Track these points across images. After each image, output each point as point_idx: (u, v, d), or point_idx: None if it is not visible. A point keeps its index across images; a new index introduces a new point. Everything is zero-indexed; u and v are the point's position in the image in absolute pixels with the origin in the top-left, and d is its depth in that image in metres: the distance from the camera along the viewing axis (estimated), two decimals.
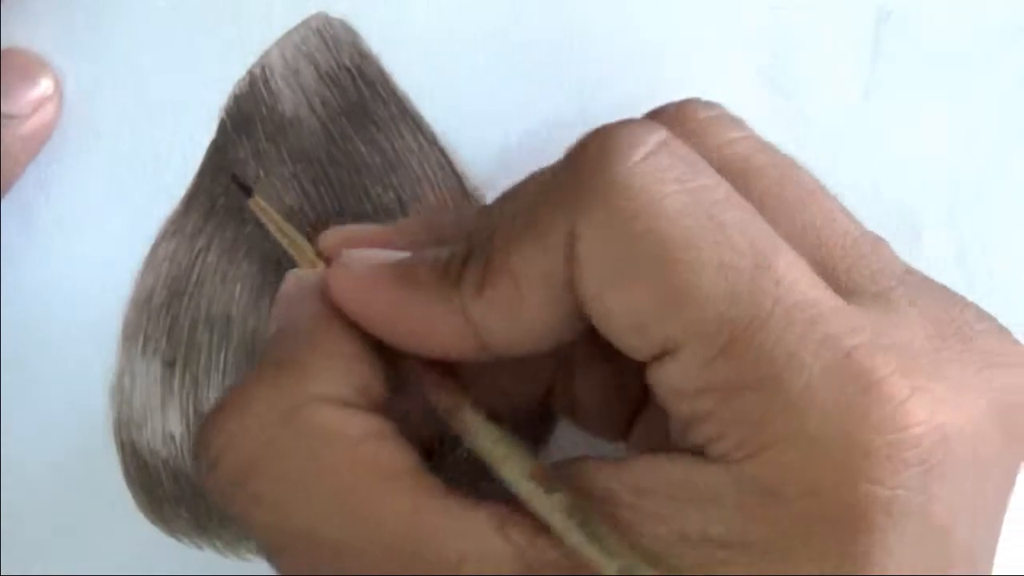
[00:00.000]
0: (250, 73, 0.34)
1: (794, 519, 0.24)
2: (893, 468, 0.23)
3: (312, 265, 0.31)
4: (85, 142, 0.34)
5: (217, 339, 0.35)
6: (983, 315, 0.27)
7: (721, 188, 0.25)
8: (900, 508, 0.23)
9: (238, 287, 0.35)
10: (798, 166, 0.28)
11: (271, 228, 0.32)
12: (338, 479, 0.26)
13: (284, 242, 0.32)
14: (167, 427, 0.35)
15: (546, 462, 0.26)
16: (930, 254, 0.34)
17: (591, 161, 0.26)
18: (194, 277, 0.35)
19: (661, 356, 0.25)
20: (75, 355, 0.35)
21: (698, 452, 0.25)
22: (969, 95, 0.35)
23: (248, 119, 0.34)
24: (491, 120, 0.34)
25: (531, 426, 0.31)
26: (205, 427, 0.27)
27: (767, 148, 0.28)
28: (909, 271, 0.27)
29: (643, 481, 0.25)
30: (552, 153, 0.34)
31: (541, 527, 0.25)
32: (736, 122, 0.29)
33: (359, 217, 0.34)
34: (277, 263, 0.34)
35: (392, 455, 0.26)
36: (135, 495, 0.35)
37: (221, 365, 0.35)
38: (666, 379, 0.25)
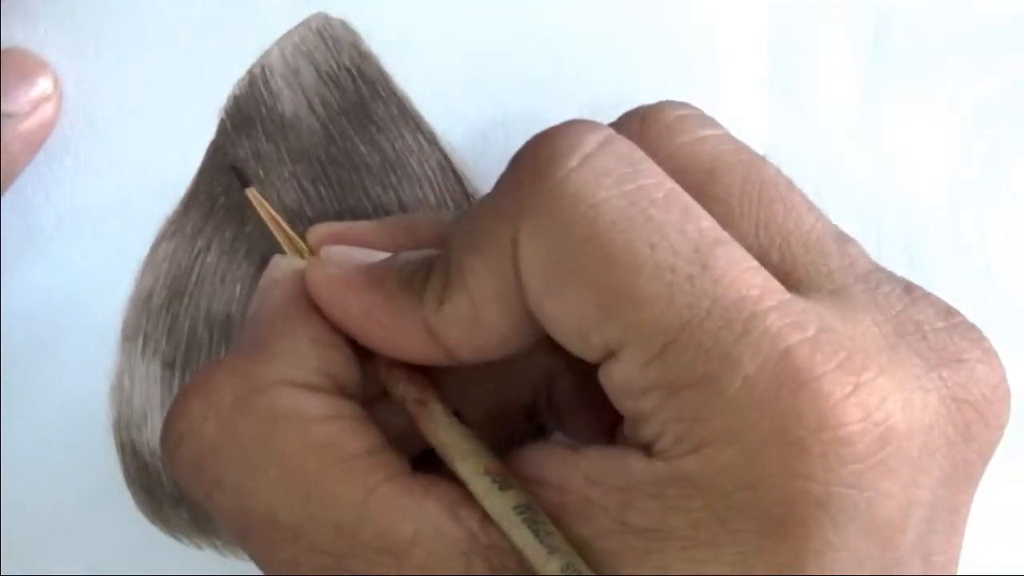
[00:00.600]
0: (250, 73, 0.34)
1: (728, 513, 0.24)
2: (827, 465, 0.23)
3: (301, 258, 0.31)
4: (85, 142, 0.34)
5: (217, 339, 0.35)
6: (949, 312, 0.27)
7: (663, 187, 0.26)
8: (839, 505, 0.24)
9: (238, 287, 0.35)
10: (767, 163, 0.28)
11: (264, 219, 0.33)
12: (292, 461, 0.26)
13: (276, 233, 0.32)
14: None
15: (503, 459, 0.27)
16: (930, 254, 0.35)
17: (529, 168, 0.26)
18: (194, 277, 0.35)
19: (607, 358, 0.25)
20: (75, 355, 0.35)
21: (646, 449, 0.25)
22: (969, 95, 0.35)
23: (248, 119, 0.34)
24: (491, 120, 0.34)
25: (522, 435, 0.31)
26: (170, 412, 0.27)
27: (737, 145, 0.28)
28: (875, 269, 0.27)
29: (592, 471, 0.25)
30: None
31: None
32: (706, 120, 0.29)
33: (359, 217, 0.34)
34: None
35: (350, 436, 0.26)
36: (135, 495, 0.35)
37: None
38: (612, 380, 0.25)
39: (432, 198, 0.34)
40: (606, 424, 0.28)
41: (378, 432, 0.27)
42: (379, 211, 0.34)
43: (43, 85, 0.34)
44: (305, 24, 0.34)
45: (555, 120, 0.34)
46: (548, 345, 0.26)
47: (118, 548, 0.35)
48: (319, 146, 0.34)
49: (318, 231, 0.32)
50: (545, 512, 0.25)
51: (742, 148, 0.28)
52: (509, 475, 0.26)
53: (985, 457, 0.26)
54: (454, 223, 0.28)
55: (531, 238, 0.25)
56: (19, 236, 0.34)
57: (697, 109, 0.29)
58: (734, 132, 0.29)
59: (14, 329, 0.35)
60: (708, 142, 0.28)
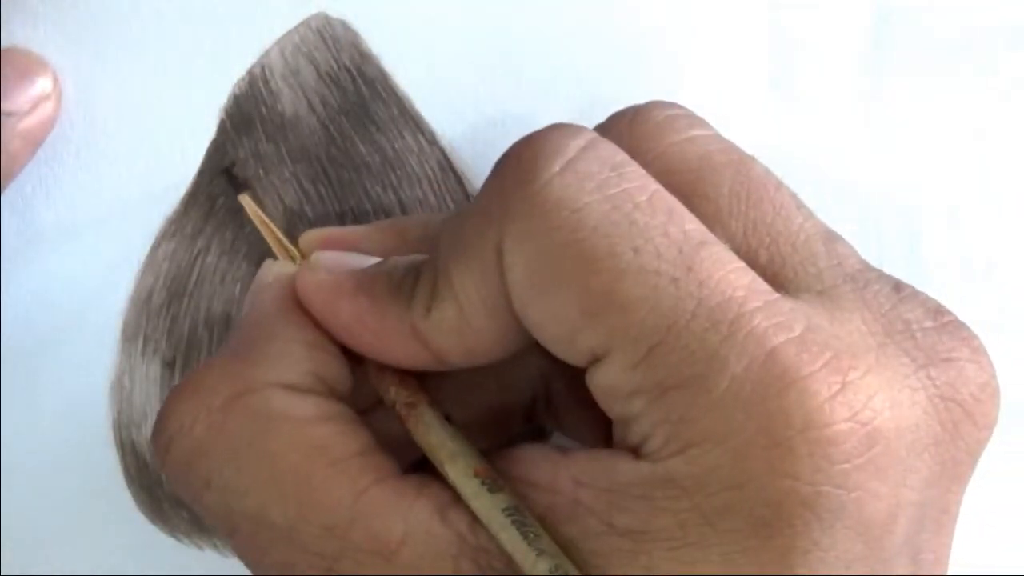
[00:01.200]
0: (250, 73, 0.34)
1: (715, 514, 0.24)
2: (815, 465, 0.23)
3: (292, 262, 0.31)
4: (85, 142, 0.34)
5: (217, 339, 0.35)
6: (938, 311, 0.26)
7: (646, 190, 0.26)
8: (826, 505, 0.24)
9: (238, 287, 0.35)
10: (756, 163, 0.28)
11: (257, 224, 0.33)
12: (283, 462, 0.26)
13: (268, 239, 0.32)
14: None
15: (492, 460, 0.27)
16: (930, 254, 0.35)
17: (512, 174, 0.26)
18: (194, 277, 0.35)
19: (593, 362, 0.25)
20: (75, 355, 0.35)
21: (635, 451, 0.25)
22: (969, 95, 0.35)
23: (248, 119, 0.34)
24: (491, 120, 0.34)
25: (521, 437, 0.31)
26: (161, 412, 0.27)
27: (725, 145, 0.28)
28: (864, 268, 0.27)
29: (580, 473, 0.25)
30: None
31: None
32: (695, 120, 0.29)
33: (359, 217, 0.34)
34: None
35: (340, 438, 0.27)
36: (135, 495, 0.35)
37: None
38: (599, 383, 0.25)
39: (432, 198, 0.34)
40: (604, 425, 0.28)
41: (369, 434, 0.27)
42: (379, 211, 0.34)
43: (43, 84, 0.34)
44: (305, 24, 0.34)
45: (555, 120, 0.34)
46: (541, 348, 0.26)
47: (118, 548, 0.35)
48: (319, 146, 0.34)
49: (309, 237, 0.32)
50: (533, 513, 0.25)
51: (731, 148, 0.28)
52: (498, 477, 0.26)
53: (974, 456, 0.26)
54: (442, 228, 0.28)
55: (515, 244, 0.25)
56: (19, 236, 0.35)
57: (686, 109, 0.29)
58: (734, 132, 0.29)
59: (14, 329, 0.35)
60: (697, 142, 0.28)
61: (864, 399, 0.24)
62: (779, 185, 0.28)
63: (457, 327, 0.27)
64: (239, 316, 0.31)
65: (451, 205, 0.34)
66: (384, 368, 0.28)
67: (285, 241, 0.32)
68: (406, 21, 0.34)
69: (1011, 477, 0.34)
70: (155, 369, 0.35)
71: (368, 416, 0.28)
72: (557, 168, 0.25)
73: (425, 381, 0.28)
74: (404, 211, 0.34)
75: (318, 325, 0.28)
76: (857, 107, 0.35)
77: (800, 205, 0.28)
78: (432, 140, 0.34)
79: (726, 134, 0.29)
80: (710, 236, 0.25)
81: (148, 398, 0.35)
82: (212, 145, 0.34)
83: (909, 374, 0.25)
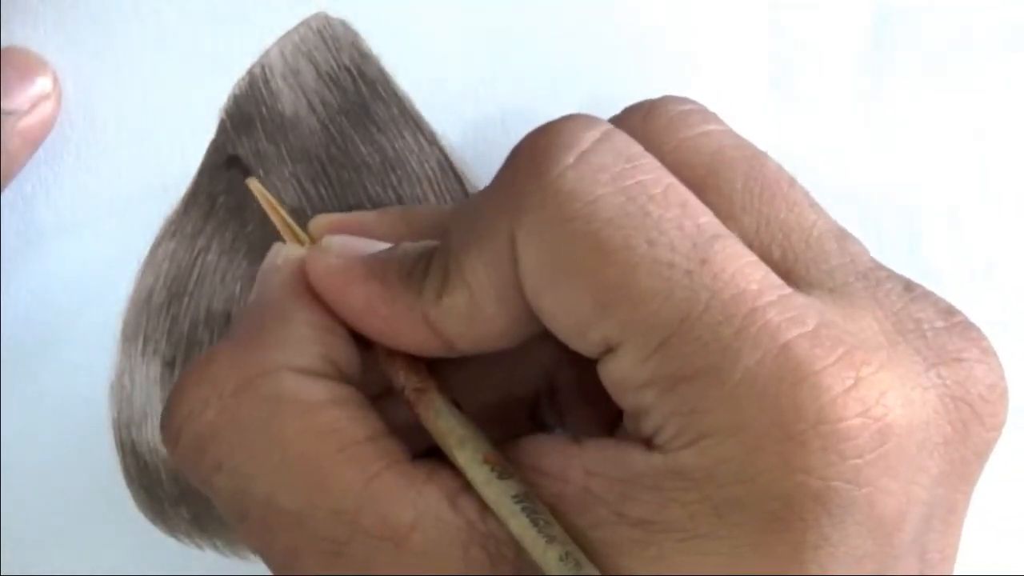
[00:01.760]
0: (250, 73, 0.34)
1: (726, 506, 0.24)
2: (827, 459, 0.23)
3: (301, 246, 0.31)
4: (85, 142, 0.34)
5: (217, 339, 0.35)
6: (949, 311, 0.27)
7: (661, 183, 0.26)
8: (837, 500, 0.24)
9: (238, 287, 0.35)
10: (769, 159, 0.28)
11: (266, 208, 0.32)
12: (294, 446, 0.26)
13: (276, 223, 0.32)
14: None
15: (503, 449, 0.27)
16: (930, 254, 0.35)
17: (527, 164, 0.26)
18: (194, 277, 0.35)
19: (605, 353, 0.25)
20: (75, 355, 0.35)
21: (647, 442, 0.25)
22: (969, 95, 0.35)
23: (248, 119, 0.34)
24: (491, 120, 0.34)
25: (524, 433, 0.32)
26: (171, 398, 0.27)
27: (739, 141, 0.28)
28: (876, 267, 0.27)
29: (592, 463, 0.25)
30: None
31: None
32: (709, 115, 0.29)
33: None
34: None
35: (351, 423, 0.26)
36: (135, 495, 0.35)
37: None
38: (611, 375, 0.25)
39: (432, 198, 0.34)
40: (608, 419, 0.28)
41: (379, 420, 0.27)
42: None
43: (42, 83, 0.34)
44: (305, 24, 0.34)
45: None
46: (550, 339, 0.26)
47: (118, 548, 0.35)
48: (319, 146, 0.34)
49: (319, 221, 0.32)
50: (545, 502, 0.25)
51: (744, 144, 0.28)
52: (508, 464, 0.26)
53: (982, 457, 0.26)
54: (453, 215, 0.28)
55: (528, 235, 0.25)
56: (19, 236, 0.35)
57: (700, 104, 0.29)
58: None
59: (14, 329, 0.35)
60: (711, 137, 0.28)
61: (877, 395, 0.24)
62: (792, 182, 0.28)
63: (468, 314, 0.27)
64: (246, 301, 0.31)
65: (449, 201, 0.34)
66: (394, 353, 0.28)
67: (294, 225, 0.32)
68: (406, 21, 0.34)
69: (1010, 479, 0.34)
70: (155, 369, 0.35)
71: (378, 403, 0.28)
72: (571, 159, 0.25)
73: (431, 372, 0.28)
74: None
75: (328, 308, 0.28)
76: (857, 107, 0.35)
77: (812, 203, 0.28)
78: (432, 140, 0.34)
79: None
80: (724, 229, 0.25)
81: (148, 398, 0.35)
82: (212, 145, 0.34)
83: (920, 372, 0.25)
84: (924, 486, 0.25)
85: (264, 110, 0.34)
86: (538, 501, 0.25)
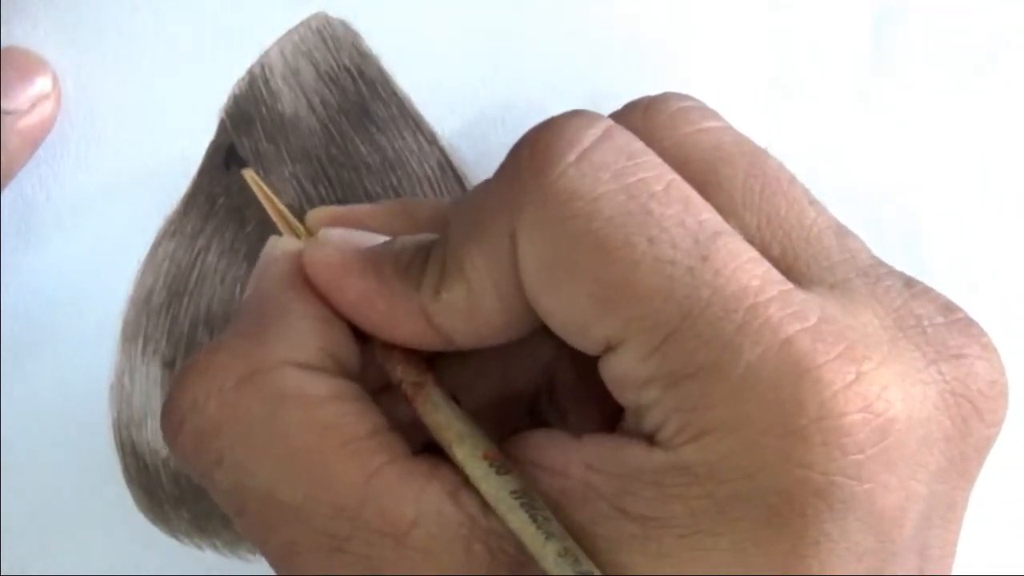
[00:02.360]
0: (250, 73, 0.34)
1: (728, 502, 0.24)
2: (828, 454, 0.23)
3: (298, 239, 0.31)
4: (85, 142, 0.34)
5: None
6: (949, 307, 0.26)
7: (662, 180, 0.26)
8: (838, 495, 0.23)
9: (238, 287, 0.35)
10: (769, 156, 0.28)
11: (262, 200, 0.32)
12: (296, 441, 0.26)
13: (273, 215, 0.32)
14: None
15: (505, 444, 0.27)
16: (930, 254, 0.35)
17: (527, 162, 0.26)
18: (194, 277, 0.35)
19: (606, 351, 0.25)
20: (75, 355, 0.35)
21: (649, 439, 0.25)
22: (969, 95, 0.35)
23: (248, 119, 0.34)
24: (491, 120, 0.34)
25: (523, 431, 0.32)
26: (172, 391, 0.27)
27: (739, 137, 0.28)
28: (876, 263, 0.27)
29: (593, 458, 0.25)
30: None
31: None
32: (708, 112, 0.29)
33: None
34: None
35: (353, 418, 0.27)
36: (135, 495, 0.35)
37: None
38: (613, 372, 0.25)
39: (432, 198, 0.34)
40: (608, 415, 0.28)
41: (380, 415, 0.27)
42: None
43: (42, 83, 0.34)
44: (305, 24, 0.34)
45: None
46: (550, 335, 0.26)
47: (118, 548, 0.35)
48: (319, 146, 0.34)
49: (317, 214, 0.32)
50: (545, 497, 0.25)
51: (744, 140, 0.28)
52: (506, 460, 0.26)
53: (981, 453, 0.26)
54: (452, 210, 0.28)
55: (529, 233, 0.25)
56: (19, 236, 0.35)
57: (699, 101, 0.29)
58: None
59: (14, 329, 0.35)
60: (711, 133, 0.28)
61: (878, 390, 0.24)
62: (792, 179, 0.28)
63: (466, 310, 0.27)
64: (244, 295, 0.31)
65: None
66: (391, 347, 0.28)
67: (291, 217, 0.32)
68: (406, 21, 0.34)
69: (1010, 477, 0.34)
70: (155, 369, 0.35)
71: (378, 397, 0.28)
72: (573, 157, 0.25)
73: (430, 367, 0.28)
74: None
75: (327, 301, 0.28)
76: (857, 107, 0.35)
77: (812, 200, 0.28)
78: (432, 140, 0.34)
79: None
80: (725, 226, 0.25)
81: (148, 398, 0.35)
82: (212, 145, 0.34)
83: (920, 368, 0.25)
84: (924, 482, 0.25)
85: (264, 110, 0.34)
86: (537, 497, 0.25)
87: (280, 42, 0.34)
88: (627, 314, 0.25)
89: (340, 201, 0.34)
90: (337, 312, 0.28)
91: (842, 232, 0.27)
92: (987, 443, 0.26)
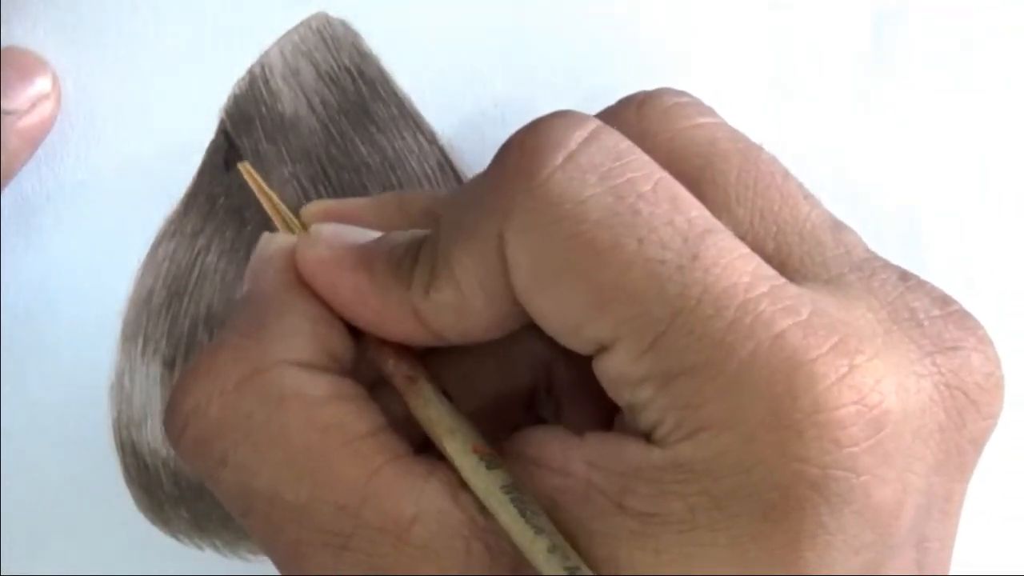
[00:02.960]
0: (250, 73, 0.34)
1: (725, 497, 0.24)
2: (824, 448, 0.23)
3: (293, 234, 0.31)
4: (85, 142, 0.34)
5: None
6: (944, 300, 0.27)
7: (650, 179, 0.26)
8: (835, 488, 0.24)
9: (238, 287, 0.35)
10: (763, 151, 0.28)
11: (257, 194, 0.32)
12: (298, 440, 0.26)
13: (268, 209, 0.32)
14: None
15: (504, 442, 0.27)
16: (930, 254, 0.34)
17: (515, 164, 0.26)
18: (194, 277, 0.35)
19: (600, 351, 0.25)
20: (75, 355, 0.35)
21: (645, 437, 0.25)
22: (969, 95, 0.35)
23: (248, 119, 0.34)
24: (491, 120, 0.34)
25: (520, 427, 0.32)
26: (173, 394, 0.28)
27: (733, 133, 0.28)
28: (871, 257, 0.27)
29: (593, 456, 0.26)
30: None
31: None
32: (703, 108, 0.29)
33: None
34: None
35: (354, 418, 0.27)
36: (135, 495, 0.35)
37: None
38: (607, 372, 0.26)
39: None
40: (605, 412, 0.28)
41: (380, 413, 0.27)
42: None
43: (42, 83, 0.34)
44: (305, 24, 0.34)
45: None
46: (545, 334, 0.27)
47: (118, 548, 0.35)
48: (319, 146, 0.34)
49: (312, 208, 0.32)
50: (546, 494, 0.26)
51: (739, 136, 0.28)
52: (496, 455, 0.26)
53: (978, 445, 0.26)
54: (443, 207, 0.28)
55: (518, 236, 0.25)
56: (19, 236, 0.35)
57: (694, 96, 0.29)
58: None
59: (14, 329, 0.35)
60: (705, 128, 0.28)
61: (872, 382, 0.24)
62: (786, 174, 0.28)
63: (456, 309, 0.27)
64: (241, 292, 0.31)
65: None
66: (384, 342, 0.28)
67: (286, 211, 0.32)
68: (406, 21, 0.34)
69: (1005, 475, 0.34)
70: (155, 369, 0.35)
71: (374, 393, 0.28)
72: (560, 160, 0.25)
73: (428, 367, 0.28)
74: None
75: (320, 301, 0.28)
76: (857, 107, 0.35)
77: (807, 194, 0.28)
78: (432, 140, 0.34)
79: None
80: (715, 223, 0.25)
81: (148, 398, 0.35)
82: (212, 145, 0.34)
83: (915, 360, 0.25)
84: (920, 474, 0.25)
85: (264, 110, 0.34)
86: (527, 492, 0.25)
87: (280, 42, 0.34)
88: (618, 315, 0.25)
89: None
90: (333, 309, 0.28)
91: (837, 226, 0.27)
92: (983, 435, 0.26)
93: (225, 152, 0.34)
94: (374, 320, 0.28)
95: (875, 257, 0.27)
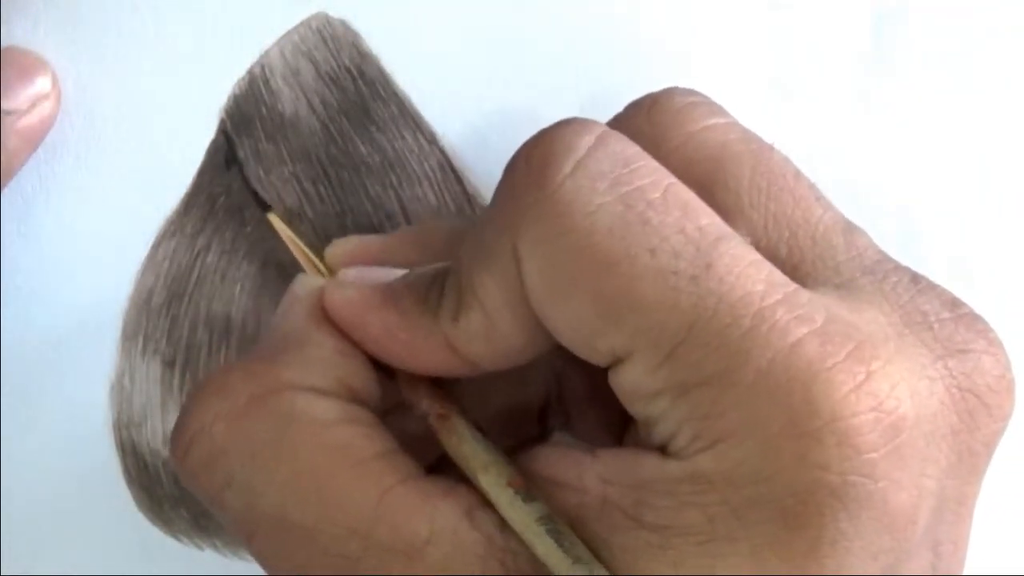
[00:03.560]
0: (250, 73, 0.34)
1: (744, 507, 0.24)
2: (842, 454, 0.23)
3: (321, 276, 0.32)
4: (85, 142, 0.34)
5: (217, 339, 0.35)
6: (955, 303, 0.27)
7: (659, 186, 0.25)
8: (854, 494, 0.24)
9: (238, 287, 0.35)
10: (775, 152, 0.28)
11: (286, 241, 0.33)
12: (305, 462, 0.26)
13: (296, 255, 0.33)
14: (167, 427, 0.35)
15: (517, 460, 0.27)
16: (929, 254, 0.34)
17: (523, 177, 0.26)
18: (194, 277, 0.35)
19: (615, 363, 0.25)
20: (75, 355, 0.35)
21: (661, 449, 0.25)
22: (969, 95, 0.35)
23: (248, 119, 0.34)
24: (491, 121, 0.34)
25: (533, 436, 0.31)
26: (181, 414, 0.27)
27: (745, 135, 0.28)
28: (882, 259, 0.27)
29: (608, 472, 0.25)
30: None
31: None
32: (715, 108, 0.29)
33: (358, 217, 0.34)
34: (277, 263, 0.35)
35: (364, 440, 0.26)
36: (135, 495, 0.35)
37: (221, 365, 0.35)
38: (622, 384, 0.25)
39: (432, 198, 0.34)
40: (615, 423, 0.28)
41: (391, 437, 0.27)
42: (379, 211, 0.34)
43: (41, 83, 0.34)
44: (305, 24, 0.34)
45: (555, 120, 0.34)
46: (558, 346, 0.26)
47: (118, 548, 0.35)
48: (319, 146, 0.34)
49: (335, 250, 0.32)
50: (562, 512, 0.25)
51: (751, 137, 0.28)
52: (531, 487, 0.26)
53: (989, 447, 0.26)
54: (462, 234, 0.28)
55: (530, 249, 0.25)
56: (19, 236, 0.35)
57: (704, 96, 0.29)
58: None
59: (14, 329, 0.35)
60: (716, 130, 0.28)
61: (888, 388, 0.24)
62: (798, 174, 0.28)
63: (485, 333, 0.26)
64: (265, 324, 0.31)
65: (451, 205, 0.34)
66: (415, 380, 0.28)
67: (314, 258, 0.32)
68: (406, 21, 0.34)
69: (1012, 476, 0.34)
70: (155, 369, 0.35)
71: (387, 418, 0.28)
72: (568, 169, 0.25)
73: (442, 383, 0.28)
74: (404, 211, 0.34)
75: (345, 335, 0.28)
76: (857, 107, 0.35)
77: (819, 196, 0.28)
78: (432, 140, 0.34)
79: None
80: (726, 230, 0.25)
81: (148, 398, 0.35)
82: (212, 145, 0.34)
83: (927, 364, 0.25)
84: (934, 478, 0.25)
85: (264, 110, 0.34)
86: (562, 522, 0.25)
87: (280, 42, 0.34)
88: (633, 327, 0.25)
89: (340, 201, 0.34)
90: (357, 347, 0.28)
91: (849, 228, 0.27)
92: (994, 437, 0.26)
93: (226, 154, 0.34)
94: (406, 355, 0.28)
95: (886, 259, 0.27)
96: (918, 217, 0.35)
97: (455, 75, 0.34)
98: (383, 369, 0.29)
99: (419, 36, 0.34)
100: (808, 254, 0.27)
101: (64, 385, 0.35)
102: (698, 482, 0.24)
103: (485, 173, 0.34)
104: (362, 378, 0.28)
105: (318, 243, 0.33)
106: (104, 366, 0.35)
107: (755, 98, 0.34)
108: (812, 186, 0.28)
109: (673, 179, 0.26)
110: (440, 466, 0.27)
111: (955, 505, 0.26)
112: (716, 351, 0.24)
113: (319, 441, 0.26)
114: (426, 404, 0.28)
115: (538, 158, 0.26)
